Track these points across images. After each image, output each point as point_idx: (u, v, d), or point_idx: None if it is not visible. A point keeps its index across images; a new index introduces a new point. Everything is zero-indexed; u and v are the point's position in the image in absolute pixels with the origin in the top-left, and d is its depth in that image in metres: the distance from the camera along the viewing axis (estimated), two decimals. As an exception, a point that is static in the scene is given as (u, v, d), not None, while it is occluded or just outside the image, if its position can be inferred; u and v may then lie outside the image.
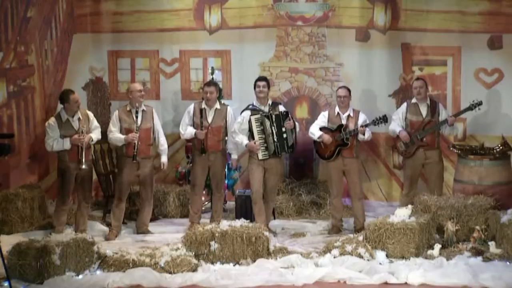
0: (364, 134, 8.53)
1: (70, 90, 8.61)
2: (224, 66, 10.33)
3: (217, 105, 8.75)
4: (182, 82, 10.38)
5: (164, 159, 8.76)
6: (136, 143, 8.42)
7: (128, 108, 8.62)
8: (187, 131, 8.70)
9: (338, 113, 8.67)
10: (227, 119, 8.76)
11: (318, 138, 8.61)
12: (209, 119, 8.69)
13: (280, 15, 10.21)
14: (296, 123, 8.61)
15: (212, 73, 9.87)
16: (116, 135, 8.54)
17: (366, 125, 8.54)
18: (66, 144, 8.21)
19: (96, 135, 8.46)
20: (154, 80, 10.44)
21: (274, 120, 8.46)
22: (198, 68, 10.38)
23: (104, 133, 8.68)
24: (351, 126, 8.55)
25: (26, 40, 9.35)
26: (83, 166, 8.20)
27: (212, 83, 8.95)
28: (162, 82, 10.43)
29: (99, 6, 10.29)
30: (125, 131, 8.53)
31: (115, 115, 8.65)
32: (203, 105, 8.70)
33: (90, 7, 10.29)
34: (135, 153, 8.43)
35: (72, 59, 10.26)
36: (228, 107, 8.92)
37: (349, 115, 8.63)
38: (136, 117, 8.51)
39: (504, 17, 9.63)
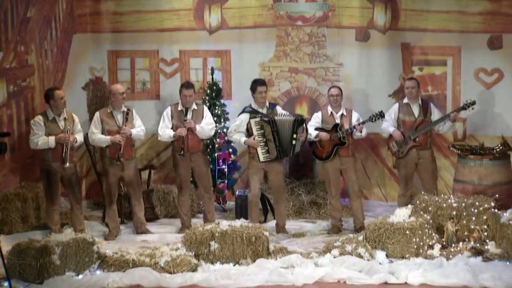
0: (361, 132, 8.54)
1: (55, 87, 8.61)
2: (224, 66, 10.33)
3: (194, 106, 8.72)
4: (182, 82, 10.34)
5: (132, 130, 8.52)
6: (122, 145, 8.42)
7: (109, 110, 8.60)
8: (165, 132, 8.60)
9: (331, 112, 8.68)
10: (204, 116, 8.70)
11: (315, 137, 8.60)
12: None
13: (280, 15, 10.21)
14: (303, 130, 8.46)
15: (212, 73, 9.88)
16: (99, 136, 8.50)
17: (363, 122, 8.55)
18: (51, 142, 8.17)
19: (79, 137, 8.44)
20: (154, 80, 10.43)
21: (277, 124, 8.38)
22: (198, 68, 10.37)
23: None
24: (346, 125, 8.57)
25: (26, 40, 9.34)
26: (67, 165, 8.15)
27: (191, 85, 8.79)
28: (162, 82, 10.43)
29: (99, 6, 10.28)
30: (107, 133, 8.50)
31: (96, 116, 8.59)
32: (180, 107, 8.66)
33: (90, 7, 10.28)
34: (119, 154, 8.42)
35: (72, 59, 10.25)
36: (204, 106, 8.92)
37: (342, 114, 8.66)
38: (127, 119, 8.51)
39: (504, 17, 9.63)
